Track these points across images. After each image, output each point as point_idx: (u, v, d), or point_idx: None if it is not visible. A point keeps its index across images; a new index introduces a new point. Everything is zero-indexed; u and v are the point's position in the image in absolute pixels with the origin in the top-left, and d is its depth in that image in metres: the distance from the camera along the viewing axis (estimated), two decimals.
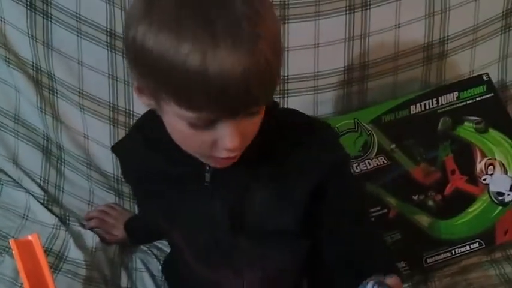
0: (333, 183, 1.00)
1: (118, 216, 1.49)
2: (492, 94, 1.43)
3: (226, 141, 0.87)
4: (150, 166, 1.05)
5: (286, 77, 1.42)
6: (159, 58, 0.81)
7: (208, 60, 0.79)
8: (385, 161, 1.38)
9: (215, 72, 0.79)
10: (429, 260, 1.35)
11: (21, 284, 1.21)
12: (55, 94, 1.50)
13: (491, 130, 1.41)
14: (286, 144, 0.98)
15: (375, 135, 1.40)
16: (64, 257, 1.36)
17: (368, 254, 1.00)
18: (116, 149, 1.25)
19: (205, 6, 0.81)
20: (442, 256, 1.35)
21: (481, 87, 1.43)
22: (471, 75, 1.48)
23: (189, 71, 0.79)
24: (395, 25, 1.42)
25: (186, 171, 1.00)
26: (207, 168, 0.98)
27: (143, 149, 1.05)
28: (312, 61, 1.42)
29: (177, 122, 0.87)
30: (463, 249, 1.36)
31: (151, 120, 0.97)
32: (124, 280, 1.39)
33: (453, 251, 1.35)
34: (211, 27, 0.79)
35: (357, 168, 1.37)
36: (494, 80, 1.49)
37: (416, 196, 1.37)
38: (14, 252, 1.12)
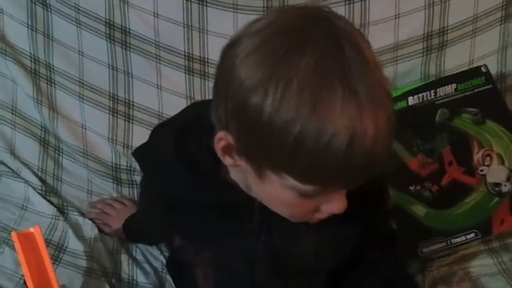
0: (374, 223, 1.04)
1: (123, 210, 1.49)
2: (490, 86, 1.45)
3: (335, 207, 0.84)
4: (186, 188, 0.99)
5: None
6: (297, 138, 0.73)
7: (357, 136, 0.72)
8: None
9: (363, 147, 0.73)
10: (424, 250, 1.38)
11: (22, 275, 1.25)
12: (53, 85, 1.54)
13: (488, 121, 1.43)
14: None
15: None
16: (64, 248, 1.40)
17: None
18: (139, 155, 1.16)
19: (342, 69, 0.73)
20: (437, 246, 1.38)
21: (480, 78, 1.45)
22: (471, 66, 1.50)
23: (334, 152, 0.73)
24: (395, 15, 1.45)
25: (232, 205, 0.95)
26: (256, 205, 0.94)
27: (180, 168, 0.96)
28: None
29: (285, 192, 0.81)
30: (458, 239, 1.38)
31: (193, 142, 0.91)
32: (124, 271, 1.41)
33: (448, 241, 1.38)
34: (356, 97, 0.73)
35: None
36: (493, 70, 1.51)
37: (413, 187, 1.39)
38: (15, 244, 1.16)
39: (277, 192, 0.82)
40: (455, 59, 1.51)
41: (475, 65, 1.50)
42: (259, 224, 0.98)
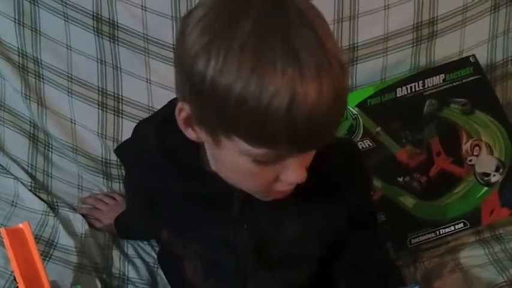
0: (357, 206, 1.05)
1: (114, 205, 1.51)
2: (479, 76, 1.46)
3: (293, 175, 0.84)
4: (169, 181, 1.00)
5: None
6: (239, 98, 0.75)
7: (297, 98, 0.74)
8: (371, 144, 1.42)
9: (303, 110, 0.75)
10: (413, 241, 1.39)
11: (12, 272, 1.25)
12: (41, 80, 1.54)
13: (477, 111, 1.44)
14: (314, 173, 0.94)
15: (360, 118, 1.43)
16: (54, 244, 1.40)
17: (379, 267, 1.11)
18: (121, 152, 1.20)
19: (284, 32, 0.75)
20: (426, 236, 1.39)
21: (468, 69, 1.46)
22: (461, 56, 1.51)
23: (275, 112, 0.74)
24: (384, 6, 1.46)
25: (212, 194, 0.96)
26: (236, 194, 0.96)
27: (162, 161, 0.98)
28: None
29: (239, 158, 0.83)
30: (447, 229, 1.40)
31: (173, 132, 0.91)
32: (116, 267, 1.42)
33: (438, 232, 1.40)
34: (297, 59, 0.74)
35: None
36: (483, 60, 1.52)
37: (401, 178, 1.40)
38: (4, 240, 1.16)
39: (234, 160, 0.83)
40: (445, 49, 1.52)
41: (465, 55, 1.51)
42: (241, 213, 1.00)
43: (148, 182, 1.05)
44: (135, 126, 1.17)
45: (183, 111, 0.85)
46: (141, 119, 1.48)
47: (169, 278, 1.34)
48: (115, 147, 1.55)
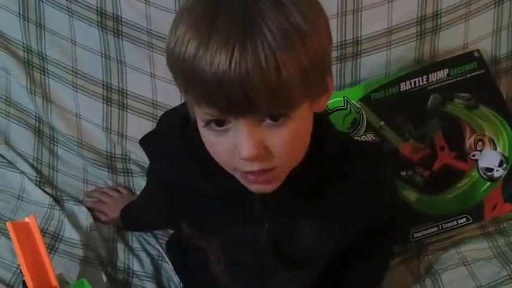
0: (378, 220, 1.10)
1: (119, 198, 1.54)
2: (483, 71, 1.47)
3: (241, 147, 0.85)
4: (190, 176, 1.03)
5: None
6: (171, 52, 0.85)
7: (202, 49, 0.80)
8: (374, 138, 1.43)
9: (206, 63, 0.80)
10: (416, 235, 1.41)
11: (18, 265, 1.26)
12: (46, 74, 1.57)
13: (481, 106, 1.45)
14: (337, 177, 0.98)
15: (364, 112, 1.44)
16: (60, 237, 1.42)
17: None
18: (145, 143, 1.22)
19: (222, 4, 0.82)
20: (429, 231, 1.41)
21: (472, 63, 1.47)
22: (465, 49, 1.52)
23: (186, 59, 0.82)
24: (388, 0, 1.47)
25: (233, 193, 0.98)
26: (257, 194, 0.97)
27: (184, 156, 1.02)
28: None
29: (201, 127, 0.89)
30: (450, 224, 1.42)
31: (195, 127, 0.94)
32: (120, 260, 1.44)
33: (440, 226, 1.41)
34: (213, 17, 0.81)
35: None
36: (487, 53, 1.53)
37: (404, 172, 1.42)
38: (11, 234, 1.18)
39: (201, 131, 0.89)
40: (449, 43, 1.53)
41: (469, 48, 1.52)
42: (261, 212, 1.03)
43: (170, 175, 1.08)
44: (161, 117, 1.22)
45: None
46: (145, 113, 1.54)
47: (179, 268, 1.38)
48: (119, 141, 1.58)
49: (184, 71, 0.83)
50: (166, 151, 1.08)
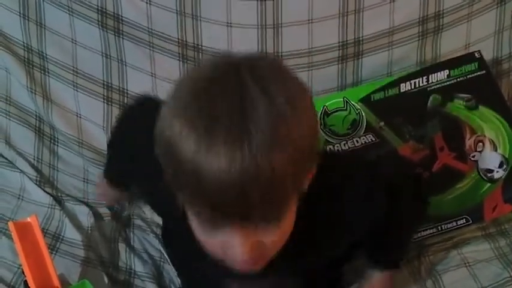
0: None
1: None
2: (484, 71, 1.48)
3: (233, 252, 0.86)
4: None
5: (280, 54, 1.50)
6: (167, 142, 0.83)
7: (201, 152, 0.78)
8: (374, 139, 1.45)
9: (206, 166, 0.78)
10: (415, 235, 1.42)
11: (20, 265, 1.30)
12: (47, 73, 1.60)
13: (481, 107, 1.47)
14: (329, 228, 0.99)
15: (363, 113, 1.46)
16: (61, 238, 1.45)
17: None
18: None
19: (217, 99, 0.81)
20: (428, 232, 1.43)
21: (473, 64, 1.49)
22: (467, 50, 1.54)
23: (182, 160, 0.80)
24: None
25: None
26: None
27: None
28: (305, 37, 1.50)
29: (190, 215, 0.88)
30: (449, 225, 1.43)
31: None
32: (122, 260, 1.46)
33: (439, 227, 1.43)
34: (213, 120, 0.79)
35: (345, 146, 1.44)
36: (489, 54, 1.55)
37: None
38: (12, 234, 1.23)
39: (190, 217, 0.89)
40: (451, 43, 1.56)
41: (471, 49, 1.54)
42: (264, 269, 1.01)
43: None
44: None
45: None
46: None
47: (172, 256, 1.42)
48: None
49: (180, 170, 0.82)
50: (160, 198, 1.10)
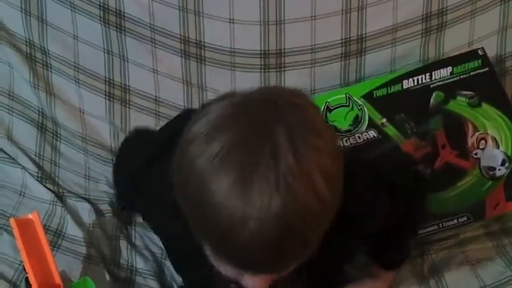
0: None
1: None
2: (487, 69, 1.50)
3: (250, 284, 0.89)
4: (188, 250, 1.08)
5: (282, 51, 1.52)
6: (189, 204, 0.85)
7: (236, 223, 0.79)
8: (376, 135, 1.46)
9: (241, 234, 0.80)
10: None
11: (21, 261, 1.31)
12: (49, 69, 1.61)
13: (484, 104, 1.48)
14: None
15: (366, 109, 1.48)
16: (62, 234, 1.47)
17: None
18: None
19: (247, 169, 0.80)
20: (429, 229, 1.44)
21: (476, 61, 1.50)
22: (470, 47, 1.55)
23: (212, 222, 0.82)
24: None
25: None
26: None
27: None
28: (308, 34, 1.51)
29: (207, 252, 0.91)
30: (450, 222, 1.45)
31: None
32: (124, 258, 1.47)
33: (440, 224, 1.44)
34: (249, 183, 0.79)
35: (347, 142, 1.45)
36: (493, 51, 1.56)
37: None
38: (14, 231, 1.24)
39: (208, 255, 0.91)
40: (454, 40, 1.57)
41: (474, 46, 1.55)
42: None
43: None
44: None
45: None
46: (148, 109, 1.59)
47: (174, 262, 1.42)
48: (122, 137, 1.62)
49: (213, 225, 0.83)
50: (159, 218, 1.19)
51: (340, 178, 0.85)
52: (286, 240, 0.80)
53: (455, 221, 1.46)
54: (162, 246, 1.50)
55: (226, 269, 0.90)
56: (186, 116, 0.92)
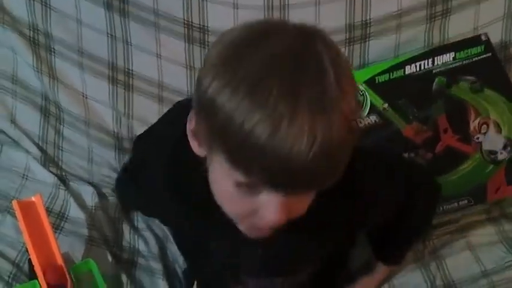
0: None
1: None
2: (490, 54, 1.51)
3: (267, 214, 0.90)
4: (176, 214, 1.13)
5: None
6: (227, 117, 0.84)
7: (278, 135, 0.81)
8: (377, 120, 1.48)
9: (284, 149, 0.81)
10: None
11: (23, 243, 1.35)
12: (53, 53, 1.63)
13: (486, 89, 1.50)
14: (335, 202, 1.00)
15: (367, 94, 1.49)
16: (65, 217, 1.50)
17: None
18: (131, 173, 1.37)
19: (294, 78, 0.83)
20: None
21: (479, 47, 1.51)
22: (475, 34, 1.56)
23: (254, 139, 0.82)
24: None
25: (227, 222, 1.01)
26: None
27: (173, 205, 1.11)
28: (312, 19, 1.52)
29: (223, 179, 0.91)
30: (451, 205, 1.47)
31: (181, 165, 1.01)
32: (126, 240, 1.50)
33: (441, 207, 1.47)
34: (294, 101, 0.82)
35: None
36: (497, 38, 1.58)
37: (407, 154, 1.47)
38: (17, 213, 1.27)
39: (219, 181, 0.93)
40: (459, 27, 1.58)
41: (479, 32, 1.56)
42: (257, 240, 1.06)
43: (154, 211, 1.21)
44: (135, 145, 1.33)
45: (192, 121, 0.96)
46: (151, 94, 1.61)
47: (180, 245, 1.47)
48: (126, 122, 1.65)
49: (243, 146, 0.84)
50: (153, 192, 1.18)
51: (357, 128, 0.90)
52: (326, 156, 0.83)
53: (456, 204, 1.49)
54: (165, 230, 1.54)
55: (243, 204, 0.92)
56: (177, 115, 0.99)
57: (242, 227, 0.99)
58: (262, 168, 0.84)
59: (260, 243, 1.05)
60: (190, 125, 0.97)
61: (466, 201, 1.48)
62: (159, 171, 1.13)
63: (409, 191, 1.22)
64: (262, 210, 0.91)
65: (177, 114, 1.17)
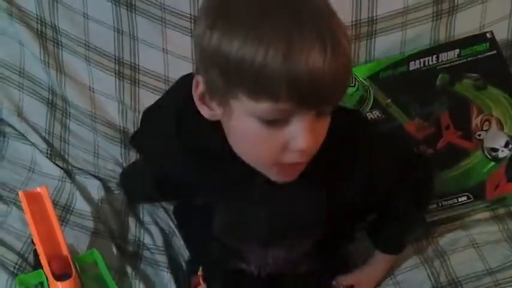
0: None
1: None
2: (495, 51, 1.54)
3: (300, 139, 0.94)
4: (187, 169, 1.15)
5: None
6: (238, 57, 0.90)
7: (294, 47, 0.88)
8: (380, 115, 1.51)
9: (301, 60, 0.88)
10: None
11: (29, 234, 1.37)
12: (60, 47, 1.67)
13: (490, 87, 1.52)
14: (333, 157, 1.04)
15: (371, 90, 1.53)
16: (71, 209, 1.53)
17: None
18: (138, 144, 1.41)
19: (290, 4, 0.90)
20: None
21: (484, 44, 1.54)
22: (481, 31, 1.59)
23: (271, 60, 0.88)
24: None
25: (233, 179, 1.09)
26: (258, 180, 1.08)
27: (182, 152, 1.14)
28: None
29: (247, 121, 0.95)
30: (450, 201, 1.50)
31: (191, 119, 1.04)
32: (131, 233, 1.53)
33: (439, 203, 1.49)
34: (297, 17, 0.89)
35: None
36: (503, 36, 1.61)
37: None
38: (22, 204, 1.31)
39: (243, 126, 0.96)
40: (465, 24, 1.61)
41: (485, 30, 1.60)
42: (261, 198, 1.14)
43: (167, 169, 1.21)
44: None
45: (199, 85, 0.99)
46: (157, 88, 1.64)
47: (184, 232, 1.51)
48: (133, 116, 1.69)
49: (261, 73, 0.89)
50: (165, 153, 1.19)
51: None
52: (338, 60, 0.91)
53: (455, 200, 1.51)
54: (170, 223, 1.58)
55: (272, 141, 0.96)
56: (183, 84, 1.05)
57: (271, 172, 1.03)
58: (287, 85, 0.89)
59: (265, 205, 1.13)
60: (197, 90, 1.01)
61: (465, 198, 1.50)
62: (171, 116, 1.17)
63: (404, 173, 1.25)
64: (293, 141, 0.95)
65: (183, 84, 1.21)
